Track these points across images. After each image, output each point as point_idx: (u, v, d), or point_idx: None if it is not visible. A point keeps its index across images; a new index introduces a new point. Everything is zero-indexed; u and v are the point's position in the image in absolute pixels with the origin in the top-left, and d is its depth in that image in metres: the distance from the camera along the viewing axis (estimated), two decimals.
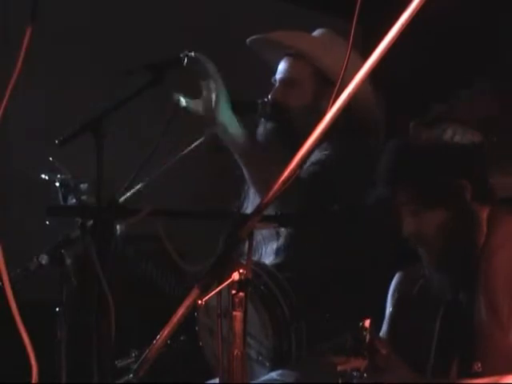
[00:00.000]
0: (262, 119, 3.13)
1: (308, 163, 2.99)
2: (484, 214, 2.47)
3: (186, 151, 2.67)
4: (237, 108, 2.86)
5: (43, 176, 2.61)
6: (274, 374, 2.90)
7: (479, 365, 2.33)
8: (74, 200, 2.51)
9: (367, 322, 2.34)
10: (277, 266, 3.04)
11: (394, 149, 2.52)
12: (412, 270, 2.67)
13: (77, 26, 4.48)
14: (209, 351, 2.99)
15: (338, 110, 1.58)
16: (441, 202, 2.42)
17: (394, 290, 2.71)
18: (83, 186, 2.55)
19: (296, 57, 3.14)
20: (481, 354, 2.34)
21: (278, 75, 3.17)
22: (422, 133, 2.48)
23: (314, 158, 3.02)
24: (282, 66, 3.18)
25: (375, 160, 2.62)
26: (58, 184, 2.57)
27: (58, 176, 2.58)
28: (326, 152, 3.03)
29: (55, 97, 4.41)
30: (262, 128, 3.15)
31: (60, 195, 2.57)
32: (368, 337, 2.31)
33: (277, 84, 3.16)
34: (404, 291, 2.67)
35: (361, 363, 2.32)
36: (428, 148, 2.44)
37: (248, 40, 3.23)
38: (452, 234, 2.42)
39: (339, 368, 2.33)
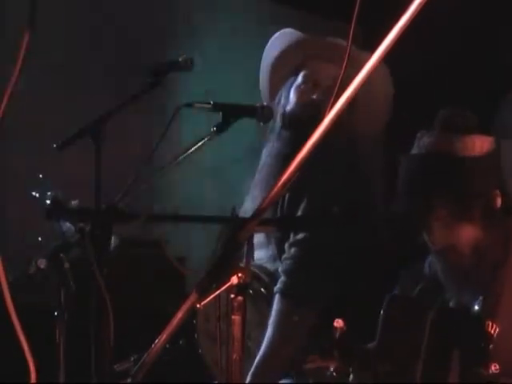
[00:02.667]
0: (280, 126, 3.09)
1: None
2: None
3: (188, 152, 2.66)
4: (235, 112, 2.85)
5: (33, 193, 2.60)
6: None
7: (497, 366, 2.31)
8: (68, 224, 2.50)
9: (339, 322, 2.33)
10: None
11: (419, 161, 2.44)
12: (413, 271, 2.64)
13: (77, 26, 4.48)
14: (209, 357, 2.99)
15: (338, 112, 1.57)
16: (476, 214, 2.36)
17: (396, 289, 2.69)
18: (74, 203, 2.54)
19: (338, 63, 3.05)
20: (498, 356, 2.31)
21: (310, 75, 3.13)
22: (439, 143, 2.40)
23: None
24: (315, 67, 3.14)
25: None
26: (48, 202, 2.56)
27: (48, 193, 2.56)
28: None
29: (55, 97, 4.40)
30: (282, 132, 3.10)
31: (50, 214, 2.56)
32: (339, 336, 2.30)
33: (305, 83, 3.13)
34: (402, 292, 2.65)
35: (330, 363, 2.31)
36: (459, 159, 2.36)
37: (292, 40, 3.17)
38: (485, 249, 2.37)
39: (307, 367, 2.31)
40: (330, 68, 3.08)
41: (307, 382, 2.56)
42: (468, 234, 2.37)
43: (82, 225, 2.44)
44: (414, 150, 2.46)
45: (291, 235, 2.97)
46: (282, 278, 2.94)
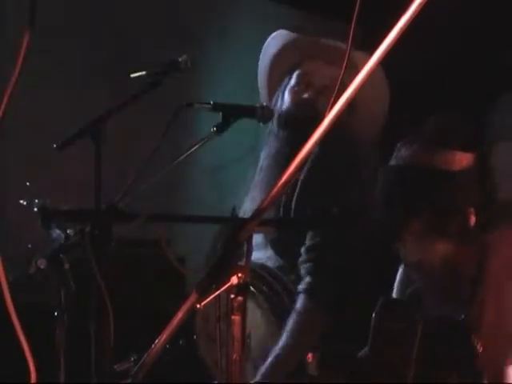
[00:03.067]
0: (277, 127, 3.11)
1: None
2: (487, 238, 2.37)
3: (188, 152, 2.66)
4: (235, 112, 2.85)
5: (21, 202, 2.60)
6: None
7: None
8: (58, 230, 2.50)
9: (309, 356, 2.34)
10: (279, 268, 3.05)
11: (397, 173, 2.41)
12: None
13: (77, 26, 4.48)
14: (208, 358, 2.99)
15: (337, 113, 1.57)
16: (451, 230, 2.32)
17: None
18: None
19: (337, 64, 3.06)
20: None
21: (305, 75, 3.14)
22: (417, 156, 2.36)
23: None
24: (311, 67, 3.14)
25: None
26: (36, 209, 2.56)
27: (36, 201, 2.56)
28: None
29: (55, 97, 4.40)
30: (281, 133, 3.11)
31: (39, 221, 2.56)
32: (313, 371, 2.32)
33: (300, 83, 3.13)
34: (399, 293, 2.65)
35: None
36: (437, 173, 2.33)
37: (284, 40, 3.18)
38: (457, 266, 2.34)
39: None
40: (324, 68, 3.10)
41: (309, 382, 2.57)
42: (441, 249, 2.33)
43: (80, 226, 2.45)
44: (393, 161, 2.42)
45: (307, 239, 3.00)
46: (308, 279, 2.96)
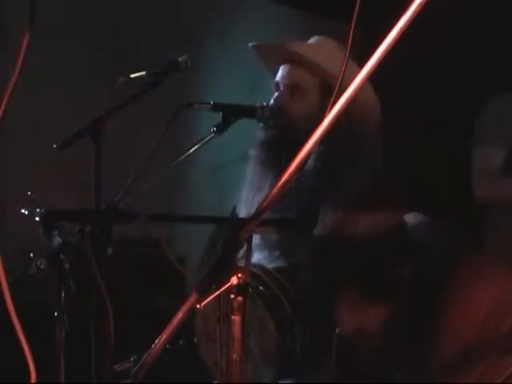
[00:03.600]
0: (264, 124, 3.12)
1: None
2: None
3: (188, 152, 2.67)
4: (235, 112, 2.85)
5: (23, 211, 2.60)
6: None
7: None
8: (59, 239, 2.50)
9: None
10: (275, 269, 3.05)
11: (323, 243, 2.31)
12: None
13: (77, 26, 4.48)
14: (209, 359, 3.00)
15: (337, 114, 1.57)
16: (383, 295, 2.22)
17: None
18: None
19: (303, 65, 3.13)
20: None
21: (284, 80, 3.16)
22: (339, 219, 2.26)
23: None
24: (286, 71, 3.16)
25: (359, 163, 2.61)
26: (37, 219, 2.56)
27: (38, 210, 2.57)
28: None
29: (55, 97, 4.40)
30: (263, 133, 3.14)
31: (41, 229, 2.56)
32: None
33: (281, 88, 3.15)
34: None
35: None
36: (362, 239, 2.22)
37: (253, 44, 3.23)
38: (396, 329, 2.24)
39: None
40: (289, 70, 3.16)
41: (307, 382, 2.57)
42: (377, 312, 2.24)
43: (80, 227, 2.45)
44: (318, 230, 2.34)
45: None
46: None
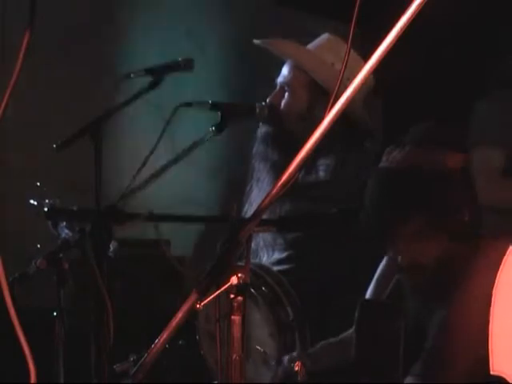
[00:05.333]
0: (260, 123, 3.17)
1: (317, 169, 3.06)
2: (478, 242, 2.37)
3: (189, 152, 2.67)
4: (233, 111, 2.86)
5: (31, 201, 2.61)
6: None
7: None
8: (66, 230, 2.51)
9: (297, 364, 2.36)
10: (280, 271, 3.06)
11: (390, 175, 2.40)
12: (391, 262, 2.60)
13: (77, 27, 4.48)
14: (210, 358, 3.00)
15: (337, 112, 1.57)
16: (444, 229, 2.32)
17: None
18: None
19: (295, 64, 3.19)
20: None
21: (279, 79, 3.23)
22: (404, 157, 2.36)
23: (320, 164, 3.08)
24: (283, 70, 3.23)
25: (372, 162, 2.61)
26: (46, 209, 2.57)
27: (46, 201, 2.57)
28: (327, 159, 3.09)
29: (55, 97, 4.40)
30: (259, 131, 3.19)
31: (49, 221, 2.57)
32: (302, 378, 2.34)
33: (277, 88, 3.21)
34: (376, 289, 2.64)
35: None
36: (430, 174, 2.32)
37: (257, 42, 3.27)
38: (451, 265, 2.33)
39: None
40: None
41: (308, 382, 2.57)
42: (435, 249, 2.33)
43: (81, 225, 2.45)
44: (384, 164, 2.42)
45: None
46: None
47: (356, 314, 2.46)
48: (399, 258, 2.38)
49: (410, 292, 2.45)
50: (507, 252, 1.81)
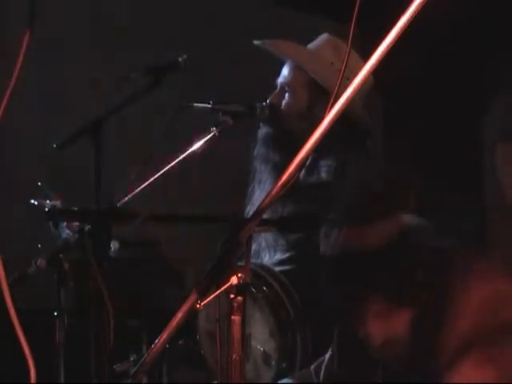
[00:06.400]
0: (261, 124, 3.17)
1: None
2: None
3: (189, 151, 2.67)
4: (235, 111, 2.87)
5: (32, 201, 2.61)
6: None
7: None
8: (68, 231, 2.51)
9: None
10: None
11: (332, 263, 2.29)
12: None
13: (76, 26, 4.48)
14: (210, 358, 3.00)
15: (337, 112, 1.58)
16: (405, 298, 2.19)
17: None
18: None
19: (295, 64, 3.19)
20: None
21: (279, 79, 3.23)
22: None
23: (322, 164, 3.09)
24: (283, 71, 3.23)
25: (372, 161, 2.61)
26: (47, 210, 2.57)
27: (48, 202, 2.57)
28: (328, 160, 3.09)
29: (55, 99, 4.40)
30: (260, 132, 3.19)
31: (50, 222, 2.57)
32: None
33: (278, 88, 3.22)
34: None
35: None
36: (368, 252, 2.21)
37: (256, 43, 3.27)
38: (420, 332, 2.20)
39: None
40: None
41: (307, 382, 2.57)
42: (403, 319, 2.19)
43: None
44: (326, 249, 2.31)
45: None
46: None
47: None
48: (371, 340, 2.25)
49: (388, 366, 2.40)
50: None
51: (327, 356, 2.69)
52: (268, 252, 3.17)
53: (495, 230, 3.67)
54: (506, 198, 3.56)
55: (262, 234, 3.11)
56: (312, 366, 2.79)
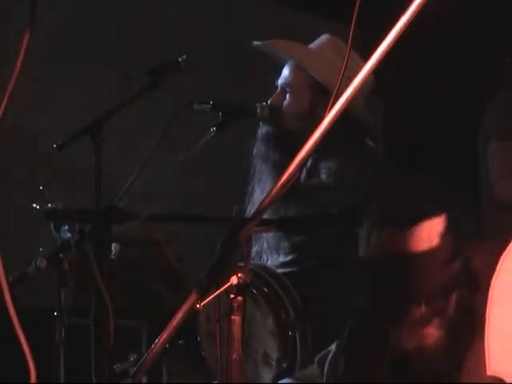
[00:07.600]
0: (261, 123, 3.17)
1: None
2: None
3: (189, 151, 2.67)
4: (234, 112, 2.86)
5: (34, 205, 2.61)
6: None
7: None
8: (69, 234, 2.51)
9: None
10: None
11: (374, 266, 2.32)
12: None
13: (76, 27, 4.48)
14: (210, 358, 3.00)
15: (338, 112, 1.58)
16: (444, 313, 2.19)
17: None
18: None
19: (296, 64, 3.19)
20: None
21: (280, 80, 3.22)
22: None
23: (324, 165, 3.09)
24: (284, 71, 3.22)
25: (373, 161, 2.61)
26: (47, 213, 2.57)
27: (49, 205, 2.57)
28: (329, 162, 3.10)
29: (55, 96, 4.40)
30: (260, 131, 3.19)
31: (51, 224, 2.57)
32: None
33: (279, 89, 3.21)
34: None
35: None
36: (409, 258, 2.20)
37: (256, 44, 3.27)
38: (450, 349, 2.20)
39: None
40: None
41: (308, 382, 2.57)
42: (437, 335, 2.20)
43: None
44: (368, 251, 2.35)
45: None
46: None
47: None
48: (401, 340, 2.27)
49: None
50: (504, 252, 1.79)
51: (332, 349, 2.68)
52: (270, 254, 3.16)
53: (490, 229, 3.67)
54: (496, 195, 3.56)
55: (264, 236, 3.11)
56: (316, 358, 2.78)
